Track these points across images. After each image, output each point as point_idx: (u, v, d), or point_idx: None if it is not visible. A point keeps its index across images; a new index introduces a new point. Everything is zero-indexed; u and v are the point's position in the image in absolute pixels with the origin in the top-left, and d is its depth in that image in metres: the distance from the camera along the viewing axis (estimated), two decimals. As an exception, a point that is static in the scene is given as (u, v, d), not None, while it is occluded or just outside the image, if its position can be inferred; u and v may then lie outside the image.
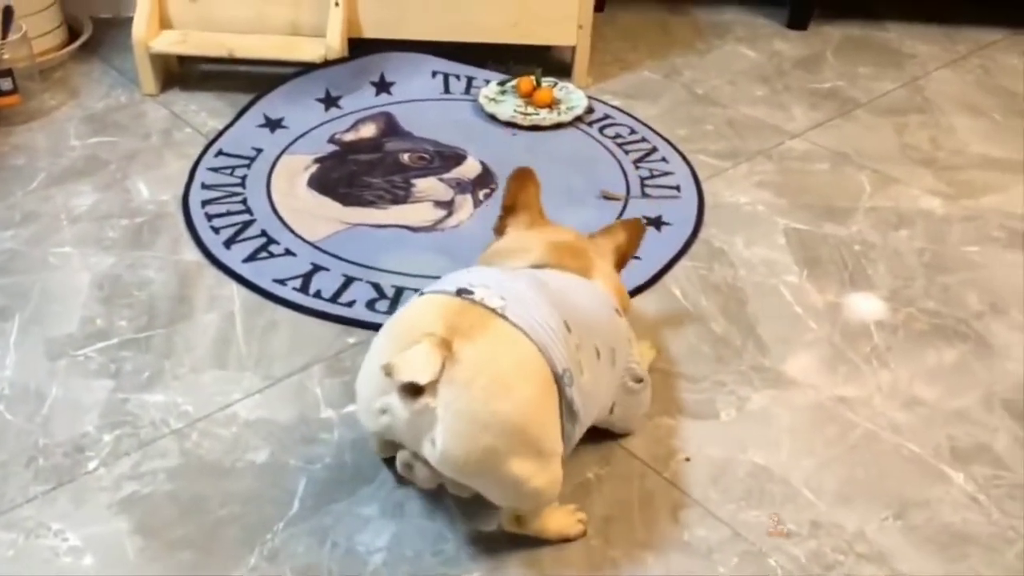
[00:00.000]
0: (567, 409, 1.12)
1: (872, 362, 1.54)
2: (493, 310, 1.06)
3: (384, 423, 1.06)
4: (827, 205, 1.91)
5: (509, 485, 1.08)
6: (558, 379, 1.09)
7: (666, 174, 1.99)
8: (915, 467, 1.37)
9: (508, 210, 1.44)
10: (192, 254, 1.72)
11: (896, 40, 2.55)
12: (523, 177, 1.44)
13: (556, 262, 1.31)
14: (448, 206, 1.88)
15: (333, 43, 2.15)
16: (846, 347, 1.57)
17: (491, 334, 1.04)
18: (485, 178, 1.96)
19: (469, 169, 1.98)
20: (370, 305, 1.62)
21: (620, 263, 1.45)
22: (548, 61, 2.33)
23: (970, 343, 1.59)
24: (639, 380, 1.33)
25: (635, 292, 1.67)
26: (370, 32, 2.21)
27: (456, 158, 2.01)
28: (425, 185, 1.93)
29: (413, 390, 1.00)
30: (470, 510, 1.26)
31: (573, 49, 2.26)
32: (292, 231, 1.79)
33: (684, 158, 2.04)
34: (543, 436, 1.08)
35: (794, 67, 2.42)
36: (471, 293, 1.08)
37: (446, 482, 1.13)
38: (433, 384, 1.00)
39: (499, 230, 1.45)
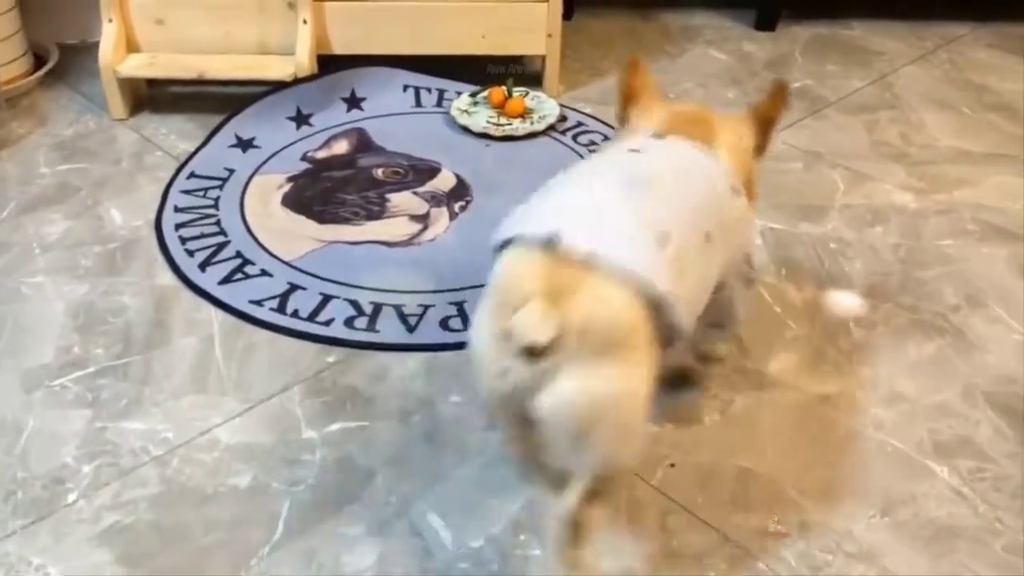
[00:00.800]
0: (674, 332, 1.08)
1: (852, 359, 1.55)
2: (585, 259, 1.02)
3: (505, 385, 1.03)
4: (802, 204, 1.92)
5: (612, 440, 1.04)
6: (661, 306, 1.04)
7: (641, 179, 1.99)
8: (899, 463, 1.37)
9: (627, 99, 1.37)
10: (167, 278, 1.71)
11: (863, 38, 2.57)
12: (634, 64, 1.36)
13: (676, 129, 1.26)
14: (424, 220, 1.87)
15: (302, 61, 2.14)
16: (826, 345, 1.57)
17: (589, 286, 1.01)
18: (460, 190, 1.95)
19: (444, 182, 1.98)
20: (348, 323, 1.61)
21: (765, 128, 1.35)
22: (519, 71, 2.33)
23: (948, 337, 1.59)
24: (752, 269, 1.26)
25: (614, 299, 1.67)
26: (339, 49, 2.21)
27: (430, 171, 2.01)
28: (400, 200, 1.92)
29: (532, 351, 0.98)
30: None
31: (543, 58, 2.26)
32: (267, 251, 1.77)
33: (658, 163, 2.04)
34: (645, 398, 1.05)
35: (764, 68, 2.43)
36: (558, 241, 1.02)
37: (546, 450, 1.06)
38: (549, 342, 0.98)
39: (623, 120, 1.38)
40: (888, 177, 2.00)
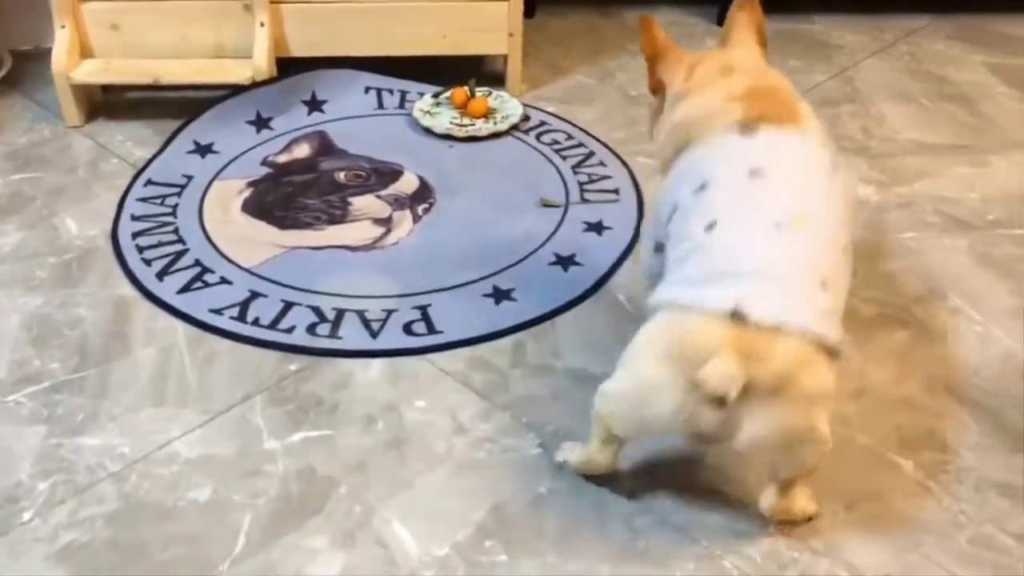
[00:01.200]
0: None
1: (817, 355, 1.55)
2: (770, 327, 1.11)
3: (689, 425, 1.15)
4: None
5: (810, 447, 1.18)
6: (835, 350, 1.14)
7: (604, 178, 1.99)
8: (865, 458, 1.37)
9: (652, 61, 1.36)
10: (124, 289, 1.68)
11: (824, 32, 2.58)
12: (645, 25, 1.35)
13: (762, 116, 1.24)
14: (387, 223, 1.85)
15: (260, 64, 2.11)
16: (791, 341, 1.57)
17: (779, 349, 1.10)
18: (423, 192, 1.94)
19: (406, 184, 1.96)
20: (311, 330, 1.59)
21: (763, 43, 1.38)
22: (482, 71, 2.31)
23: (912, 329, 1.60)
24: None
25: (579, 300, 1.66)
26: (298, 51, 2.18)
27: (393, 174, 1.99)
28: (362, 203, 1.90)
29: (721, 401, 1.09)
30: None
31: (506, 58, 2.24)
32: (227, 258, 1.75)
33: (622, 161, 2.04)
34: (827, 426, 1.17)
35: (726, 64, 2.42)
36: (745, 318, 1.10)
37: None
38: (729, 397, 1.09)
39: (654, 88, 1.38)
40: (851, 170, 2.00)
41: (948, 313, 1.63)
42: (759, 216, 1.18)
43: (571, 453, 1.33)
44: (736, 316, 1.10)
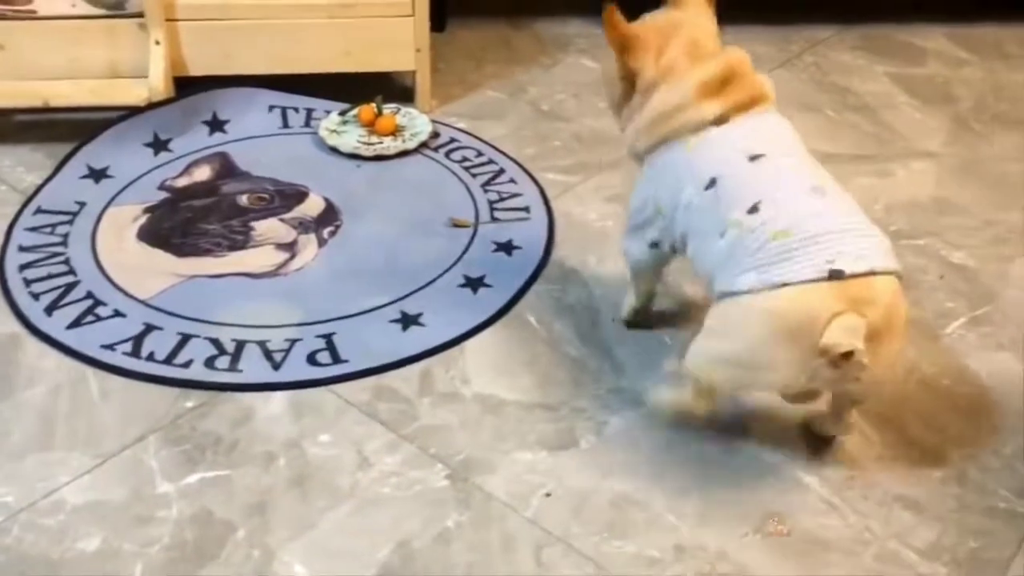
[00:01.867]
0: None
1: (726, 372, 1.55)
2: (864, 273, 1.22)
3: (812, 382, 1.26)
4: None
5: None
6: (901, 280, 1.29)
7: (515, 195, 1.96)
8: (772, 476, 1.37)
9: (621, 52, 1.37)
10: (9, 325, 1.59)
11: (732, 42, 2.57)
12: (609, 18, 1.35)
13: (735, 106, 1.33)
14: (291, 248, 1.79)
15: (156, 84, 2.04)
16: (700, 359, 1.57)
17: (879, 291, 1.23)
18: (329, 215, 1.89)
19: (312, 207, 1.91)
20: (209, 363, 1.53)
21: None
22: (391, 86, 2.27)
23: (818, 343, 1.61)
24: None
25: (488, 323, 1.63)
26: (197, 70, 2.11)
27: (298, 196, 1.93)
28: (265, 227, 1.84)
29: (848, 355, 1.18)
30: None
31: (415, 73, 2.21)
32: (121, 290, 1.67)
33: (532, 178, 2.02)
34: None
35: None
36: (842, 274, 1.20)
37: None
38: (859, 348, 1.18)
39: (627, 76, 1.39)
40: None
41: (853, 325, 1.64)
42: (794, 187, 1.29)
43: (663, 398, 1.44)
44: (835, 275, 1.20)
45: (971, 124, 2.27)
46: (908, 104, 2.33)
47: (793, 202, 1.27)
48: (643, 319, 1.61)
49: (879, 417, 1.46)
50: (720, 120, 1.33)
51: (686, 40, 1.37)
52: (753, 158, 1.30)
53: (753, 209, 1.26)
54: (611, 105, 1.49)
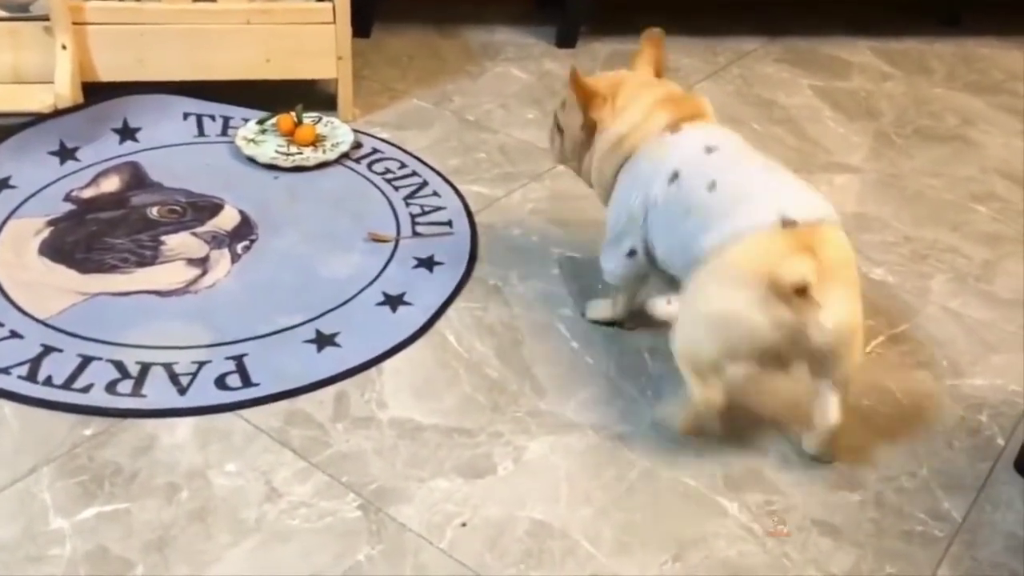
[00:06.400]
0: None
1: (648, 393, 1.53)
2: (814, 222, 1.33)
3: (776, 332, 1.30)
4: (600, 229, 1.89)
5: (858, 345, 1.37)
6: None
7: (438, 209, 1.92)
8: (692, 502, 1.35)
9: (585, 108, 1.54)
10: None
11: (661, 54, 2.59)
12: (574, 79, 1.54)
13: (683, 118, 1.49)
14: (202, 264, 1.73)
15: (63, 90, 1.95)
16: (622, 380, 1.55)
17: (830, 239, 1.33)
18: (244, 229, 1.82)
19: (226, 220, 1.84)
20: (110, 388, 1.45)
21: (659, 74, 1.60)
22: (314, 94, 2.21)
23: (740, 362, 1.60)
24: None
25: (407, 343, 1.59)
26: (107, 75, 2.02)
27: (212, 208, 1.86)
28: (176, 242, 1.77)
29: (802, 290, 1.27)
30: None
31: (336, 81, 2.15)
32: (19, 309, 1.59)
33: (456, 191, 1.98)
34: None
35: (564, 86, 2.39)
36: (794, 223, 1.31)
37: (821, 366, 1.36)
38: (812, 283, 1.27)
39: (590, 125, 1.55)
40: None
41: (775, 344, 1.64)
42: (748, 165, 1.44)
43: (675, 409, 1.45)
44: (786, 222, 1.31)
45: (893, 138, 2.29)
46: (832, 118, 2.35)
47: (747, 175, 1.42)
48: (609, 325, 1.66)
49: (798, 440, 1.45)
50: (673, 127, 1.48)
51: (634, 86, 1.55)
52: (709, 150, 1.44)
53: (711, 186, 1.39)
54: (567, 154, 1.63)
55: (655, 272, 1.55)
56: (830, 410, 1.37)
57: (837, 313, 1.30)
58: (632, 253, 1.53)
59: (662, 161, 1.45)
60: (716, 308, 1.33)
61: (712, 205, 1.37)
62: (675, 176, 1.43)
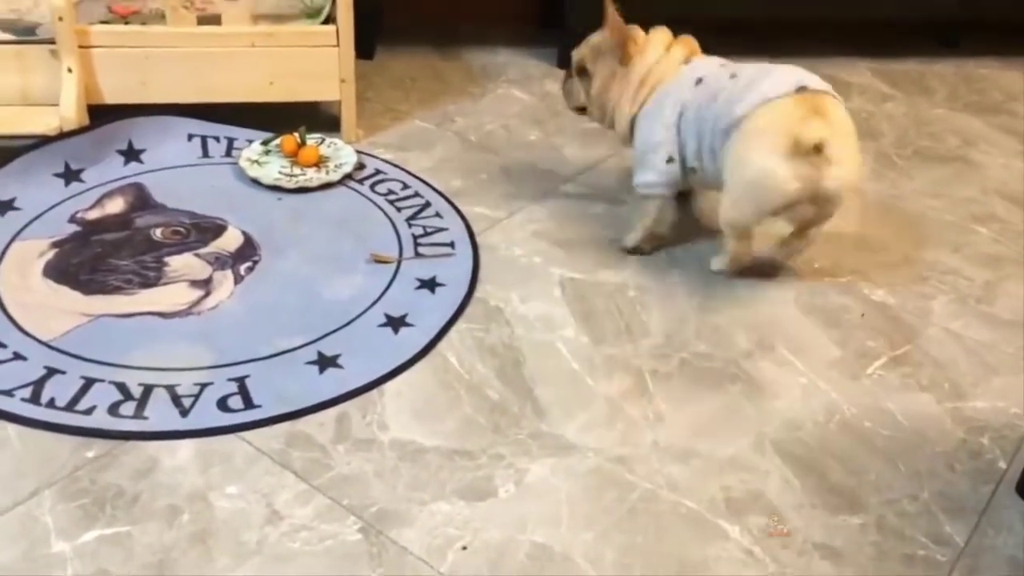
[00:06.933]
0: None
1: (649, 415, 1.53)
2: (823, 91, 1.67)
3: (797, 186, 1.61)
4: (601, 251, 1.90)
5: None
6: None
7: (440, 230, 1.93)
8: (692, 525, 1.35)
9: (622, 45, 1.82)
10: (-101, 370, 1.51)
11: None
12: (610, 18, 1.81)
13: (691, 52, 1.84)
14: (205, 285, 1.73)
15: (68, 112, 1.96)
16: (623, 402, 1.55)
17: (838, 107, 1.67)
18: (247, 250, 1.83)
19: (229, 241, 1.85)
20: (113, 410, 1.46)
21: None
22: (318, 115, 2.23)
23: (740, 384, 1.60)
24: None
25: (408, 365, 1.59)
26: (112, 98, 2.04)
27: (215, 230, 1.87)
28: (180, 263, 1.78)
29: (819, 147, 1.57)
30: None
31: (340, 103, 2.16)
32: (23, 331, 1.60)
33: (458, 212, 1.99)
34: None
35: (565, 107, 2.40)
36: (807, 87, 1.65)
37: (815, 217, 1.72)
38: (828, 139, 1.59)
39: (624, 60, 1.83)
40: (685, 218, 2.01)
41: (775, 365, 1.64)
42: (762, 64, 1.73)
43: (721, 261, 1.81)
44: (801, 89, 1.63)
45: (893, 159, 2.30)
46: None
47: (759, 66, 1.73)
48: (646, 248, 1.88)
49: (800, 463, 1.45)
50: (686, 60, 1.81)
51: (645, 33, 1.86)
52: (722, 65, 1.79)
53: (733, 75, 1.72)
54: (591, 98, 1.91)
55: (685, 184, 1.83)
56: (809, 241, 1.79)
57: (845, 168, 1.61)
58: (670, 160, 1.77)
59: (686, 75, 1.77)
60: (753, 172, 1.62)
61: (737, 85, 1.68)
62: (700, 80, 1.75)
